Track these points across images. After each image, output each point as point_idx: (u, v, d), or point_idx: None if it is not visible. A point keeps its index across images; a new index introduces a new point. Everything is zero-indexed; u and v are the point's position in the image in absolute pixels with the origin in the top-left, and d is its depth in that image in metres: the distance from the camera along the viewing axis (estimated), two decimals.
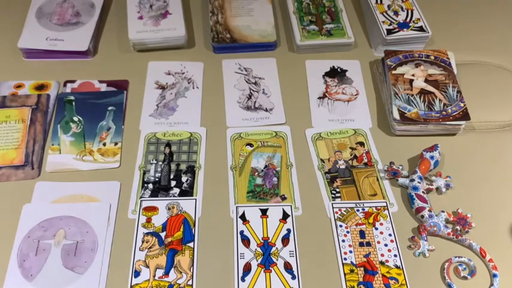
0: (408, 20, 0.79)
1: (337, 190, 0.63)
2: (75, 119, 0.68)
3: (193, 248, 0.56)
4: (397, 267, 0.56)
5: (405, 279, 0.55)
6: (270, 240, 0.57)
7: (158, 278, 0.54)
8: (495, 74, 0.77)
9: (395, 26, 0.78)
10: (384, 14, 0.80)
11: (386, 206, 0.61)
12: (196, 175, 0.63)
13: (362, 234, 0.58)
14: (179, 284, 0.54)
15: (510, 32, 0.84)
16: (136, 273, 0.54)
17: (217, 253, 0.56)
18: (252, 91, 0.73)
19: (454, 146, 0.67)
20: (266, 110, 0.71)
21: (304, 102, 0.72)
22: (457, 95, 0.69)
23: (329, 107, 0.72)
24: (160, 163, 0.64)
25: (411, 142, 0.68)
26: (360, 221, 0.59)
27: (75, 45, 0.75)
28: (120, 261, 0.55)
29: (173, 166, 0.64)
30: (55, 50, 0.75)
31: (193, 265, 0.55)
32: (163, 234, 0.57)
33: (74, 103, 0.70)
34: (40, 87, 0.72)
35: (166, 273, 0.54)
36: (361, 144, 0.67)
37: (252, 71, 0.76)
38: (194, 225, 0.58)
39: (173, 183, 0.62)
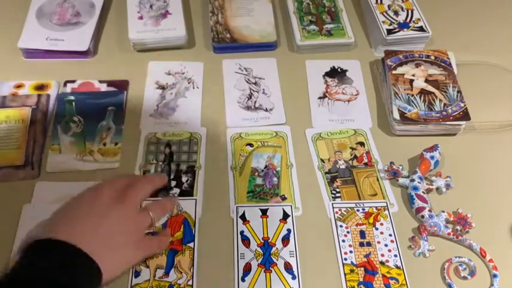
0: (408, 20, 0.79)
1: (337, 190, 0.63)
2: (75, 119, 0.68)
3: (193, 248, 0.56)
4: (397, 267, 0.56)
5: (405, 279, 0.55)
6: (270, 240, 0.57)
7: (158, 278, 0.54)
8: (495, 74, 0.77)
9: (396, 26, 0.78)
10: (384, 14, 0.80)
11: (387, 206, 0.61)
12: (196, 175, 0.63)
13: (362, 234, 0.58)
14: (179, 284, 0.54)
15: (510, 32, 0.84)
16: (137, 273, 0.54)
17: (217, 253, 0.56)
18: (252, 91, 0.73)
19: (454, 146, 0.67)
20: (266, 110, 0.71)
21: (304, 102, 0.72)
22: (457, 95, 0.69)
23: (329, 107, 0.72)
24: (161, 163, 0.64)
25: (411, 142, 0.68)
26: (360, 221, 0.59)
27: (75, 45, 0.75)
28: None
29: (173, 166, 0.64)
30: (55, 50, 0.75)
31: (193, 265, 0.55)
32: None
33: (74, 103, 0.70)
34: (40, 87, 0.72)
35: (167, 274, 0.54)
36: (361, 144, 0.67)
37: (252, 71, 0.76)
38: (194, 226, 0.58)
39: (173, 183, 0.62)
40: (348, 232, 0.58)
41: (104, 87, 0.72)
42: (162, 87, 0.73)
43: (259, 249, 0.57)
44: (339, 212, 0.60)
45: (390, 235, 0.58)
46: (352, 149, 0.67)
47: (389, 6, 0.81)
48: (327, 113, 0.71)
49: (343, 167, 0.65)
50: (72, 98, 0.70)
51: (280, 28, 0.83)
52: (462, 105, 0.68)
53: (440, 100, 0.69)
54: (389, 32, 0.77)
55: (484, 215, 0.60)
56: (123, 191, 0.52)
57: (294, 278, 0.54)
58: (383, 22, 0.79)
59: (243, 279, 0.54)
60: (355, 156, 0.66)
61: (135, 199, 0.52)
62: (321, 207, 0.61)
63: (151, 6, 0.80)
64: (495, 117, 0.71)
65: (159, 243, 0.55)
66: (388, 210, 0.61)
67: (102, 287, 0.47)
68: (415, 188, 0.61)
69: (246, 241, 0.57)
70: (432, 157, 0.63)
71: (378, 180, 0.64)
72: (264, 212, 0.60)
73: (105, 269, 0.46)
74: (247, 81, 0.75)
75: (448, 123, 0.67)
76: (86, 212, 0.49)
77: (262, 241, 0.57)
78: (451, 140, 0.68)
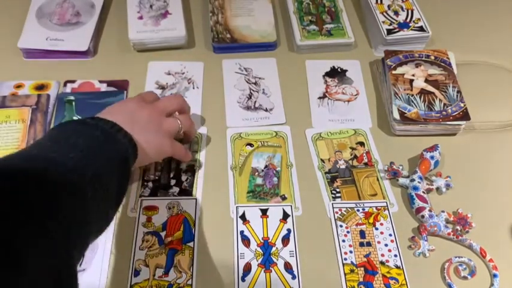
0: (408, 20, 0.79)
1: (337, 190, 0.63)
2: (75, 119, 0.68)
3: (193, 248, 0.56)
4: (397, 267, 0.56)
5: (405, 279, 0.55)
6: (270, 240, 0.57)
7: (158, 277, 0.54)
8: (495, 74, 0.77)
9: (396, 26, 0.78)
10: (384, 14, 0.80)
11: (387, 206, 0.61)
12: (196, 174, 0.63)
13: (362, 234, 0.58)
14: (178, 284, 0.54)
15: (510, 32, 0.84)
16: (136, 273, 0.54)
17: (217, 253, 0.56)
18: (252, 91, 0.73)
19: (454, 146, 0.67)
20: (266, 110, 0.71)
21: (304, 102, 0.72)
22: (457, 95, 0.69)
23: (329, 107, 0.72)
24: (161, 161, 0.64)
25: (411, 142, 0.68)
26: (360, 221, 0.59)
27: (75, 45, 0.75)
28: (120, 260, 0.55)
29: (173, 165, 0.64)
30: (55, 50, 0.75)
31: (193, 265, 0.55)
32: (163, 234, 0.57)
33: (74, 103, 0.70)
34: (40, 87, 0.72)
35: (166, 273, 0.54)
36: (361, 144, 0.67)
37: (252, 71, 0.76)
38: (194, 225, 0.58)
39: (173, 181, 0.62)
40: (348, 232, 0.58)
41: (104, 87, 0.72)
42: (162, 87, 0.73)
43: (259, 249, 0.56)
44: (339, 212, 0.60)
45: (390, 235, 0.58)
46: (352, 149, 0.67)
47: (389, 6, 0.81)
48: (326, 113, 0.71)
49: (343, 167, 0.65)
50: (72, 98, 0.70)
51: (280, 28, 0.83)
52: (462, 105, 0.68)
53: (440, 100, 0.69)
54: (389, 32, 0.77)
55: (484, 215, 0.60)
56: (151, 102, 0.59)
57: (294, 278, 0.54)
58: (383, 22, 0.79)
59: (243, 279, 0.54)
60: (355, 156, 0.66)
61: (163, 107, 0.59)
62: (321, 207, 0.61)
63: (151, 6, 0.80)
64: (495, 117, 0.71)
65: (186, 151, 0.62)
66: (388, 210, 0.61)
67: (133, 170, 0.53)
68: (415, 188, 0.61)
69: (246, 241, 0.57)
70: (432, 157, 0.63)
71: (378, 180, 0.64)
72: (264, 212, 0.60)
73: (139, 146, 0.52)
74: (247, 81, 0.75)
75: (448, 123, 0.67)
76: (118, 110, 0.55)
77: (262, 241, 0.57)
78: (451, 140, 0.68)
